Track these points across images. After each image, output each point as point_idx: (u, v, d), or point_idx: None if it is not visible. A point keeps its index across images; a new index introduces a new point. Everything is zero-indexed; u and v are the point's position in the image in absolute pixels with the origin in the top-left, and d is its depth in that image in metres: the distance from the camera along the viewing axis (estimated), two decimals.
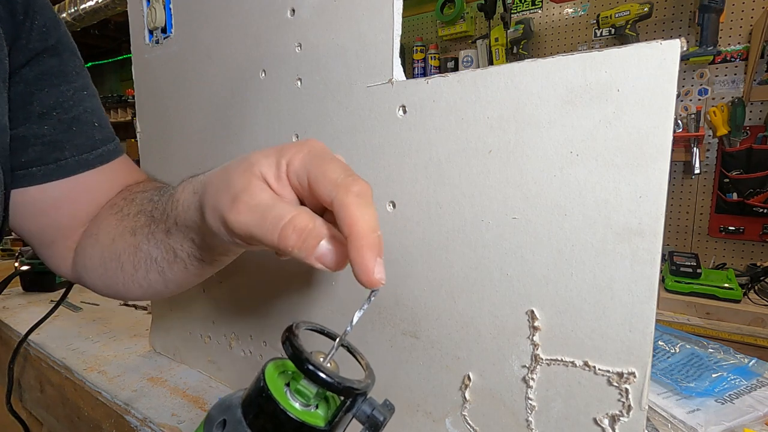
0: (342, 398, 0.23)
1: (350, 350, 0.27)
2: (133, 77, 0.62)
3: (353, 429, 0.25)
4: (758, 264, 1.47)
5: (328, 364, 0.23)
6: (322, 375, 0.22)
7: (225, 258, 0.38)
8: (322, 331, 0.27)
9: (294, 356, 0.22)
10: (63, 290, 0.85)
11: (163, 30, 0.57)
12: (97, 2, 2.57)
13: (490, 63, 2.06)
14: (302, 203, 0.29)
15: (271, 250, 0.28)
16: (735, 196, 1.64)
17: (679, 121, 1.67)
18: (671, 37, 0.25)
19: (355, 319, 0.25)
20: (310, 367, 0.22)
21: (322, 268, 0.25)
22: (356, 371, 0.25)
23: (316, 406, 0.24)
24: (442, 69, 2.29)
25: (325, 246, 0.24)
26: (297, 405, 0.23)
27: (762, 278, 1.32)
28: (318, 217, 0.26)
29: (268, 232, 0.25)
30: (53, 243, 0.47)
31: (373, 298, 0.25)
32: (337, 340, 0.25)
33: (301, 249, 0.24)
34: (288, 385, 0.24)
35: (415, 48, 2.34)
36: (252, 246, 0.30)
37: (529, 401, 0.33)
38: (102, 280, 0.44)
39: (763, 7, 1.56)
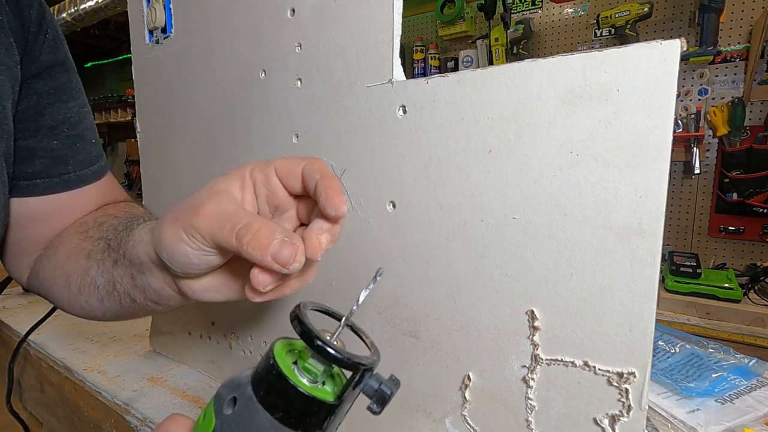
0: (350, 374, 0.24)
1: (355, 330, 0.27)
2: (133, 77, 0.62)
3: (359, 405, 0.25)
4: (758, 264, 1.47)
5: (336, 342, 0.24)
6: (332, 351, 0.22)
7: (155, 306, 0.38)
8: (327, 312, 0.28)
9: (304, 333, 0.23)
10: None
11: (163, 30, 0.57)
12: (97, 2, 2.57)
13: (490, 63, 2.06)
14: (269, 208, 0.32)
15: (225, 257, 0.30)
16: (735, 196, 1.64)
17: (679, 121, 1.67)
18: (671, 37, 0.25)
19: (362, 299, 0.26)
20: (319, 342, 0.23)
21: (279, 269, 0.26)
22: (360, 352, 0.26)
23: (323, 383, 0.25)
24: (442, 69, 2.28)
25: (277, 245, 0.26)
26: (305, 381, 0.24)
27: (762, 278, 1.32)
28: (274, 223, 0.28)
29: (227, 234, 0.27)
30: (23, 253, 0.47)
31: (379, 278, 0.26)
32: (344, 319, 0.25)
33: (254, 247, 0.26)
34: (296, 363, 0.25)
35: (415, 48, 2.33)
36: (193, 268, 0.31)
37: (529, 401, 0.33)
38: (52, 293, 0.45)
39: (763, 7, 1.55)
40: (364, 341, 0.27)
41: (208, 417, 0.24)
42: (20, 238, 0.47)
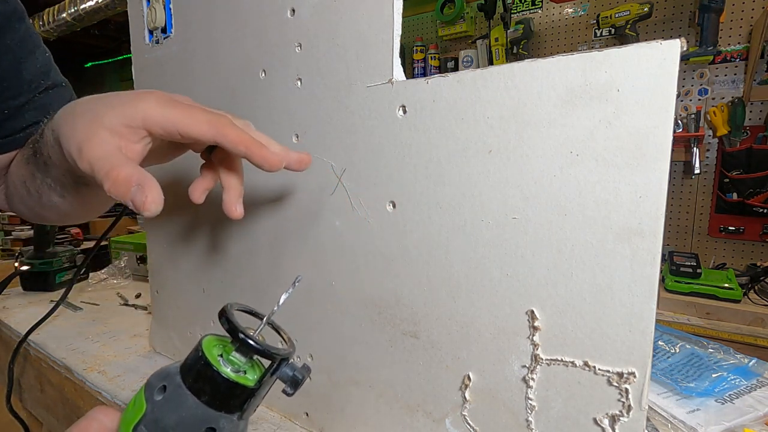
0: (268, 363, 0.28)
1: (274, 327, 0.32)
2: (133, 77, 0.62)
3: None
4: (758, 264, 1.47)
5: (259, 337, 0.28)
6: (253, 343, 0.27)
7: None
8: (251, 312, 0.32)
9: (230, 329, 0.27)
10: (63, 290, 0.85)
11: (163, 30, 0.57)
12: (97, 2, 2.57)
13: (490, 63, 2.06)
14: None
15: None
16: (735, 196, 1.64)
17: (679, 121, 1.67)
18: (671, 37, 0.25)
19: (282, 300, 0.30)
20: (242, 336, 0.27)
21: (138, 210, 0.31)
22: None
23: (245, 372, 0.29)
24: (442, 69, 2.29)
25: (133, 191, 0.31)
26: (229, 370, 0.28)
27: (762, 278, 1.32)
28: (135, 169, 0.31)
29: (98, 178, 0.32)
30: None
31: (297, 284, 0.30)
32: (265, 318, 0.30)
33: (115, 193, 0.31)
34: (221, 355, 0.28)
35: (415, 48, 2.34)
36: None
37: (529, 401, 0.33)
38: (23, 204, 0.48)
39: (763, 7, 1.56)
40: (281, 336, 0.31)
41: (138, 403, 0.27)
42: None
